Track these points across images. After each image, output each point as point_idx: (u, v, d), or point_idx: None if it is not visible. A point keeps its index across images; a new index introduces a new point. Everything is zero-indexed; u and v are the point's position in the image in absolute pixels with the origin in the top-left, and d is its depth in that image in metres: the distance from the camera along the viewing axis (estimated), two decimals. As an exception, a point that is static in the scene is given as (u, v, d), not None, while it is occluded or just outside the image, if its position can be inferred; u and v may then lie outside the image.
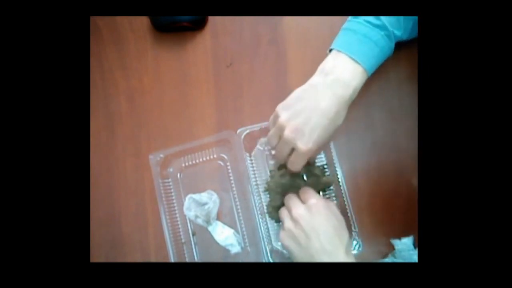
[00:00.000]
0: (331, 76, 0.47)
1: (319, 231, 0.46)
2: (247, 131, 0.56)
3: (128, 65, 0.64)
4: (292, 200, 0.51)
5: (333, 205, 0.51)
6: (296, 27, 0.62)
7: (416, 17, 0.50)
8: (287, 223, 0.49)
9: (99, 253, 0.59)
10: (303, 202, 0.50)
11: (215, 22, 0.64)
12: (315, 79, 0.48)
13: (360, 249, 0.52)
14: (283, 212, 0.51)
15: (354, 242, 0.53)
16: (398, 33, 0.50)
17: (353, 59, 0.47)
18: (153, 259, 0.59)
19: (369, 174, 0.57)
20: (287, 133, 0.47)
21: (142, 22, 0.65)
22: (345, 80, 0.47)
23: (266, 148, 0.59)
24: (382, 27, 0.49)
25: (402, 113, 0.58)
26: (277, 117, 0.49)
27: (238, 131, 0.56)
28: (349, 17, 0.52)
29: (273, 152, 0.55)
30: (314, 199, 0.49)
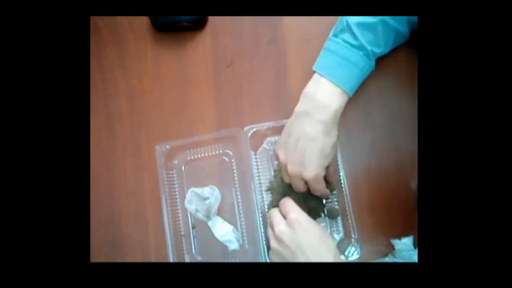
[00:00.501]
0: (311, 103, 0.49)
1: (304, 247, 0.46)
2: (254, 129, 0.56)
3: (128, 65, 0.64)
4: (273, 217, 0.50)
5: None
6: (296, 27, 0.62)
7: (397, 30, 0.51)
8: (272, 242, 0.49)
9: (99, 253, 0.59)
10: (283, 216, 0.50)
11: (215, 22, 0.64)
12: (298, 107, 0.51)
13: (358, 255, 0.53)
14: (268, 231, 0.51)
15: (353, 249, 0.53)
16: (377, 50, 0.51)
17: (333, 83, 0.49)
18: (153, 259, 0.59)
19: (369, 174, 0.57)
20: (290, 170, 0.50)
21: (142, 22, 0.65)
22: (325, 105, 0.49)
23: (271, 147, 0.60)
24: (360, 47, 0.50)
25: (402, 113, 0.58)
26: (277, 158, 0.52)
27: (245, 128, 0.56)
28: (330, 34, 0.53)
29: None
30: (294, 213, 0.49)
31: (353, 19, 0.50)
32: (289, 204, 0.51)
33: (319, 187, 0.51)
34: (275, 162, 0.58)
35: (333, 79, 0.49)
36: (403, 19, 0.51)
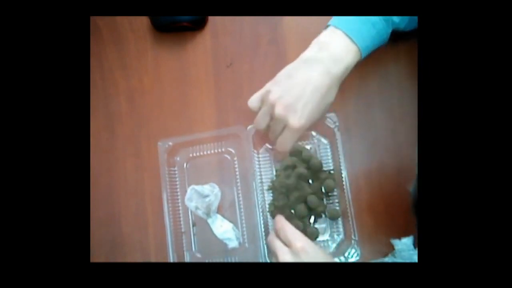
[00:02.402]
0: (325, 51, 0.46)
1: None
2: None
3: (128, 65, 0.64)
4: (275, 246, 0.47)
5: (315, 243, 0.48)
6: (296, 27, 0.62)
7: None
8: None
9: (99, 253, 0.59)
10: (287, 244, 0.47)
11: (215, 22, 0.64)
12: (308, 53, 0.48)
13: (358, 257, 0.52)
14: (272, 259, 0.48)
15: (353, 251, 0.53)
16: (396, 19, 0.49)
17: (349, 37, 0.47)
18: (153, 259, 0.59)
19: (369, 174, 0.57)
20: (278, 110, 0.46)
21: (142, 22, 0.65)
22: (338, 57, 0.46)
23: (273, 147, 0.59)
24: None
25: (402, 112, 0.58)
26: (267, 94, 0.47)
27: (249, 127, 0.56)
28: None
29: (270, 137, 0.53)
30: (299, 242, 0.46)
31: None
32: (290, 231, 0.47)
33: (291, 141, 0.46)
34: (278, 162, 0.58)
35: (350, 34, 0.47)
36: None
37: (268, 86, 0.48)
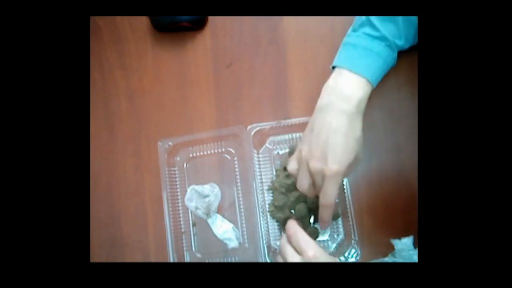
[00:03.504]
0: (333, 95, 0.47)
1: None
2: (258, 128, 0.56)
3: (128, 65, 0.64)
4: (286, 252, 0.47)
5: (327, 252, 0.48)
6: (296, 27, 0.62)
7: (416, 25, 0.50)
8: None
9: (99, 253, 0.59)
10: (298, 251, 0.46)
11: (215, 22, 0.64)
12: (320, 101, 0.48)
13: (358, 257, 0.52)
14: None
15: (353, 251, 0.53)
16: (399, 42, 0.50)
17: (355, 73, 0.47)
18: (153, 259, 0.59)
19: (369, 174, 0.57)
20: (312, 165, 0.46)
21: (142, 22, 0.65)
22: (347, 95, 0.46)
23: (274, 147, 0.59)
24: (382, 38, 0.49)
25: (402, 113, 0.58)
26: (300, 153, 0.48)
27: (249, 127, 0.56)
28: (348, 31, 0.52)
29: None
30: (311, 250, 0.45)
31: None
32: (302, 238, 0.47)
33: (333, 189, 0.46)
34: (278, 162, 0.58)
35: (356, 70, 0.47)
36: None
37: (299, 145, 0.49)
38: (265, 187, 0.57)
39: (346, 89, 0.47)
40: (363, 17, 0.50)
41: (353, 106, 0.46)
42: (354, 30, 0.51)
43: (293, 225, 0.49)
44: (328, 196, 0.46)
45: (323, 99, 0.48)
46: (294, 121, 0.56)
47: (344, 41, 0.51)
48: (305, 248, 0.45)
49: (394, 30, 0.49)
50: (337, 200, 0.57)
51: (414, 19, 0.49)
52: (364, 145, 0.48)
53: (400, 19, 0.49)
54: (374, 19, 0.49)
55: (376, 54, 0.48)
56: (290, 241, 0.48)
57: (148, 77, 0.64)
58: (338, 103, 0.46)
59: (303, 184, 0.48)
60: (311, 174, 0.47)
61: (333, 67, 0.50)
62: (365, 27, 0.49)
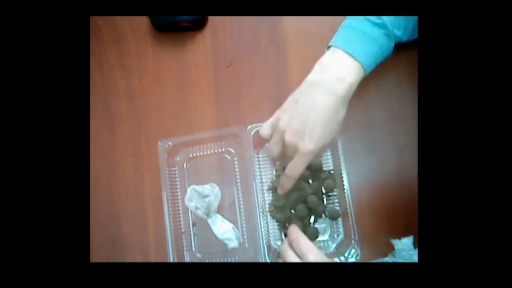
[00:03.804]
0: (326, 73, 0.46)
1: None
2: (258, 128, 0.56)
3: (128, 65, 0.64)
4: (287, 256, 0.47)
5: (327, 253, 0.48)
6: (296, 27, 0.62)
7: (416, 18, 0.50)
8: None
9: (99, 253, 0.59)
10: (299, 256, 0.46)
11: (215, 22, 0.64)
12: (310, 77, 0.48)
13: (358, 257, 0.52)
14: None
15: (353, 251, 0.53)
16: (398, 33, 0.50)
17: (350, 55, 0.47)
18: (153, 259, 0.59)
19: (369, 174, 0.57)
20: (288, 137, 0.46)
21: (142, 22, 0.65)
22: (340, 76, 0.46)
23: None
24: (382, 26, 0.49)
25: (402, 113, 0.58)
26: (277, 121, 0.48)
27: (249, 127, 0.56)
28: None
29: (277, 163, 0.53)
30: (312, 255, 0.45)
31: None
32: (304, 243, 0.47)
33: (301, 166, 0.46)
34: (278, 162, 0.58)
35: (351, 52, 0.46)
36: None
37: (277, 113, 0.49)
38: (265, 187, 0.57)
39: (340, 71, 0.46)
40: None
41: (344, 88, 0.46)
42: None
43: (295, 230, 0.49)
44: (295, 170, 0.47)
45: (314, 75, 0.47)
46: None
47: (343, 23, 0.51)
48: (306, 252, 0.46)
49: (395, 20, 0.49)
50: (337, 206, 0.57)
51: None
52: (341, 130, 0.48)
53: None
54: None
55: (374, 40, 0.48)
56: (291, 246, 0.48)
57: (148, 77, 0.64)
58: (330, 83, 0.46)
59: (274, 151, 0.49)
60: (284, 144, 0.47)
61: (329, 47, 0.49)
62: None
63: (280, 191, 0.51)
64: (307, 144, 0.45)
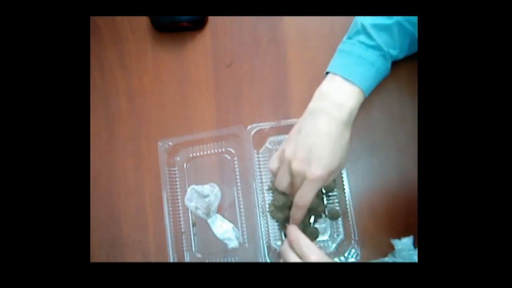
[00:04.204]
0: (327, 100, 0.47)
1: None
2: (258, 128, 0.56)
3: (128, 65, 0.64)
4: (288, 257, 0.47)
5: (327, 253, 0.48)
6: (296, 27, 0.62)
7: (413, 34, 0.50)
8: None
9: (99, 253, 0.59)
10: (300, 257, 0.46)
11: (215, 22, 0.64)
12: (312, 105, 0.48)
13: (358, 257, 0.52)
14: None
15: (353, 251, 0.53)
16: (393, 52, 0.50)
17: (348, 81, 0.47)
18: (153, 259, 0.59)
19: (369, 174, 0.57)
20: (295, 165, 0.46)
21: (142, 22, 0.65)
22: (340, 102, 0.46)
23: (274, 147, 0.59)
24: (377, 48, 0.49)
25: (402, 113, 0.58)
26: (283, 153, 0.48)
27: (249, 127, 0.56)
28: (344, 38, 0.52)
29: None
30: (314, 255, 0.45)
31: (367, 21, 0.49)
32: (305, 243, 0.46)
33: (310, 193, 0.46)
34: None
35: (349, 77, 0.47)
36: None
37: (283, 145, 0.49)
38: (265, 187, 0.57)
39: (339, 97, 0.47)
40: (359, 25, 0.50)
41: (345, 114, 0.46)
42: (349, 38, 0.51)
43: (294, 230, 0.49)
44: (304, 198, 0.47)
45: (315, 104, 0.48)
46: (294, 121, 0.56)
47: (339, 48, 0.52)
48: (307, 253, 0.46)
49: (389, 40, 0.49)
50: (338, 206, 0.57)
51: (409, 29, 0.49)
52: (349, 154, 0.49)
53: (395, 28, 0.49)
54: (369, 27, 0.49)
55: (370, 63, 0.48)
56: (292, 247, 0.48)
57: (148, 77, 0.64)
58: (331, 109, 0.46)
59: (282, 183, 0.49)
60: (292, 175, 0.47)
61: (327, 73, 0.50)
62: (360, 35, 0.50)
63: (291, 223, 0.51)
64: (315, 171, 0.45)
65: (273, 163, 0.51)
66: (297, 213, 0.49)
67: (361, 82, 0.47)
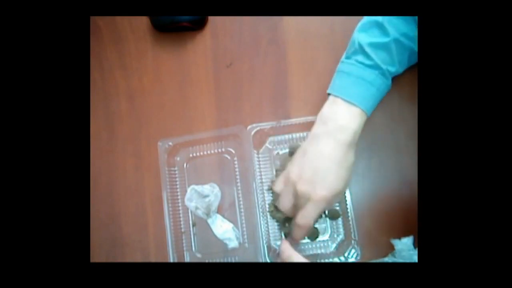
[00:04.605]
0: (330, 124, 0.48)
1: None
2: (258, 128, 0.56)
3: (128, 65, 0.64)
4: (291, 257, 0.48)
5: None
6: (296, 27, 0.62)
7: (411, 49, 0.50)
8: None
9: (99, 253, 0.59)
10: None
11: (215, 22, 0.64)
12: (315, 129, 0.49)
13: (358, 257, 0.53)
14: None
15: (353, 251, 0.53)
16: (392, 69, 0.50)
17: (350, 103, 0.48)
18: (153, 259, 0.59)
19: (369, 174, 0.57)
20: (300, 187, 0.47)
21: (142, 22, 0.65)
22: (343, 125, 0.47)
23: (274, 147, 0.59)
24: (375, 67, 0.49)
25: (403, 113, 0.58)
26: (287, 175, 0.49)
27: (249, 127, 0.56)
28: (342, 58, 0.52)
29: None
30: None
31: (364, 40, 0.49)
32: (296, 260, 0.47)
33: (313, 214, 0.47)
34: (277, 162, 0.58)
35: (350, 99, 0.47)
36: (416, 37, 0.49)
37: (288, 167, 0.50)
38: (265, 187, 0.57)
39: (342, 119, 0.47)
40: (356, 44, 0.50)
41: (349, 136, 0.47)
42: (348, 57, 0.51)
43: (287, 248, 0.48)
44: (307, 218, 0.47)
45: (318, 128, 0.49)
46: (294, 121, 0.56)
47: (338, 68, 0.52)
48: None
49: (387, 58, 0.49)
50: (337, 206, 0.57)
51: (407, 44, 0.49)
52: (352, 175, 0.49)
53: (392, 45, 0.49)
54: (366, 46, 0.49)
55: (369, 83, 0.48)
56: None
57: (148, 77, 0.64)
58: (334, 132, 0.47)
59: (285, 204, 0.50)
60: (296, 196, 0.48)
61: (328, 94, 0.50)
62: (357, 55, 0.49)
63: (293, 241, 0.51)
64: (320, 192, 0.46)
65: (279, 186, 0.51)
66: (299, 234, 0.50)
67: (362, 102, 0.48)
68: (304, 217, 0.48)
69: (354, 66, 0.49)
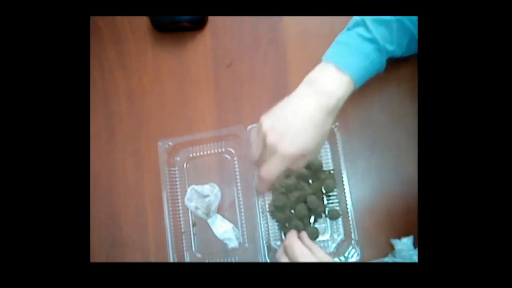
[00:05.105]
0: (316, 86, 0.46)
1: None
2: None
3: (128, 65, 0.64)
4: (281, 261, 0.48)
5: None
6: (296, 27, 0.62)
7: (412, 33, 0.50)
8: None
9: (99, 253, 0.59)
10: (291, 261, 0.47)
11: (215, 22, 0.64)
12: (299, 89, 0.47)
13: (358, 257, 0.53)
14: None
15: (353, 251, 0.53)
16: (390, 47, 0.49)
17: (340, 69, 0.47)
18: (153, 259, 0.59)
19: (369, 174, 0.57)
20: (269, 138, 0.45)
21: (142, 22, 0.65)
22: (329, 89, 0.46)
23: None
24: (373, 41, 0.48)
25: (403, 112, 0.58)
26: (260, 126, 0.47)
27: (249, 127, 0.56)
28: (343, 30, 0.52)
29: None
30: (306, 259, 0.46)
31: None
32: (298, 248, 0.47)
33: (276, 168, 0.45)
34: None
35: (341, 66, 0.46)
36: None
37: (262, 117, 0.48)
38: (265, 187, 0.57)
39: (329, 84, 0.46)
40: (358, 17, 0.50)
41: (332, 101, 0.45)
42: (348, 29, 0.51)
43: (291, 236, 0.49)
44: (270, 171, 0.45)
45: (303, 88, 0.47)
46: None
47: (336, 39, 0.51)
48: (300, 257, 0.46)
49: (387, 34, 0.49)
50: (337, 206, 0.57)
51: (409, 27, 0.49)
52: (324, 142, 0.48)
53: (394, 24, 0.48)
54: (368, 20, 0.48)
55: (364, 55, 0.48)
56: (286, 252, 0.48)
57: (148, 77, 0.64)
58: (318, 95, 0.46)
59: (255, 154, 0.48)
60: (264, 147, 0.46)
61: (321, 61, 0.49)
62: (358, 27, 0.49)
63: (257, 194, 0.51)
64: (287, 146, 0.44)
65: (253, 135, 0.49)
66: (262, 186, 0.48)
67: (353, 72, 0.47)
68: (268, 170, 0.46)
69: (352, 37, 0.49)
